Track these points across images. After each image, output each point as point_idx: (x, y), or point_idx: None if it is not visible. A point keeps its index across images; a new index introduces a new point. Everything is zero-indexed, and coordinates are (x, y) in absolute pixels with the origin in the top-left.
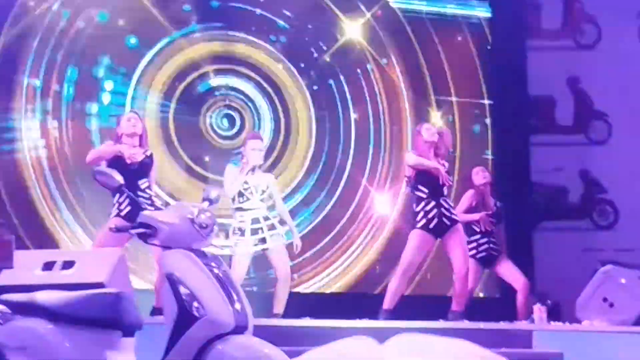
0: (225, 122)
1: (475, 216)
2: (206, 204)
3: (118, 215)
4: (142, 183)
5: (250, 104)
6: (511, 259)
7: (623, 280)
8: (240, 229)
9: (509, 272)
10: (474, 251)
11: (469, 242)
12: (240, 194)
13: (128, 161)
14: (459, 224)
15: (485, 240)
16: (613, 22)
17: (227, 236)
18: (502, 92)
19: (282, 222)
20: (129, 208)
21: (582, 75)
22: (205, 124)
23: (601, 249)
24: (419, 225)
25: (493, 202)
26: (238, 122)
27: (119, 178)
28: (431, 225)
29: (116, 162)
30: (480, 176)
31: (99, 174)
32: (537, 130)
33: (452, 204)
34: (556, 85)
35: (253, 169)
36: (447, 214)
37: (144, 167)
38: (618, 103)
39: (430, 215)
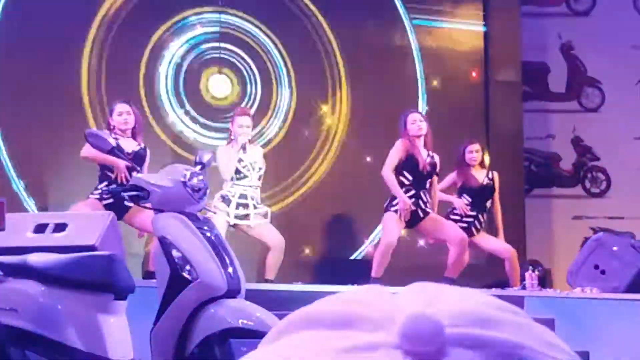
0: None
1: (451, 198)
2: (198, 167)
3: (100, 199)
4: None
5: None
6: (503, 226)
7: (615, 248)
8: (225, 197)
9: (494, 243)
10: (457, 217)
11: (456, 210)
12: (238, 171)
13: (119, 180)
14: (432, 213)
15: (473, 214)
16: None
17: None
18: (496, 58)
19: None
20: (110, 201)
21: (576, 42)
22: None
23: (593, 217)
24: (393, 208)
25: (484, 175)
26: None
27: (111, 140)
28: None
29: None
30: (473, 155)
31: (91, 136)
32: (529, 97)
33: (429, 199)
34: (550, 51)
35: (244, 147)
36: (423, 206)
37: (137, 159)
38: (611, 70)
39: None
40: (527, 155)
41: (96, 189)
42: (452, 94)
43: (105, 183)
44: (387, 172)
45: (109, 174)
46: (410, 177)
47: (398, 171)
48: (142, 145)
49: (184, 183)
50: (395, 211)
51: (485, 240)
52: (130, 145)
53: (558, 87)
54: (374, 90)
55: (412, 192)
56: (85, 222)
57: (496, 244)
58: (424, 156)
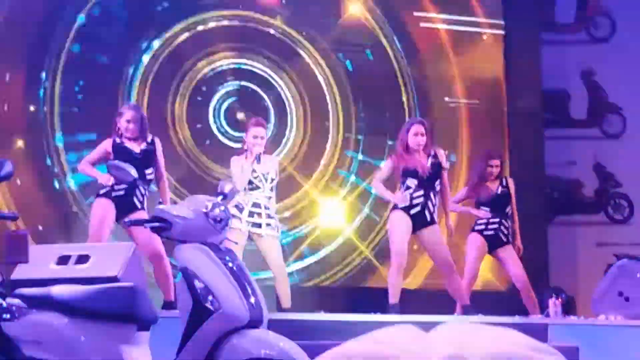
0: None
1: (471, 210)
2: (220, 197)
3: (107, 195)
4: (149, 174)
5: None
6: (525, 253)
7: (638, 275)
8: (237, 206)
9: (512, 265)
10: (482, 226)
11: (480, 219)
12: (250, 182)
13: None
14: (436, 226)
15: (497, 220)
16: (627, 15)
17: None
18: (517, 87)
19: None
20: (121, 193)
21: (597, 68)
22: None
23: (616, 243)
24: (401, 206)
25: (497, 185)
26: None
27: (133, 172)
28: (412, 212)
29: (119, 149)
30: (494, 169)
31: (114, 168)
32: (551, 124)
33: (438, 204)
34: (570, 78)
35: (257, 158)
36: (431, 209)
37: (148, 155)
38: (633, 96)
39: (414, 202)
40: (549, 183)
41: (101, 189)
42: (472, 122)
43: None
44: (374, 181)
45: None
46: (415, 181)
47: (402, 180)
48: (149, 140)
49: (206, 214)
50: (402, 209)
51: (508, 260)
52: (137, 145)
53: (579, 114)
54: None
55: (421, 192)
56: (108, 253)
57: (515, 269)
58: (424, 159)
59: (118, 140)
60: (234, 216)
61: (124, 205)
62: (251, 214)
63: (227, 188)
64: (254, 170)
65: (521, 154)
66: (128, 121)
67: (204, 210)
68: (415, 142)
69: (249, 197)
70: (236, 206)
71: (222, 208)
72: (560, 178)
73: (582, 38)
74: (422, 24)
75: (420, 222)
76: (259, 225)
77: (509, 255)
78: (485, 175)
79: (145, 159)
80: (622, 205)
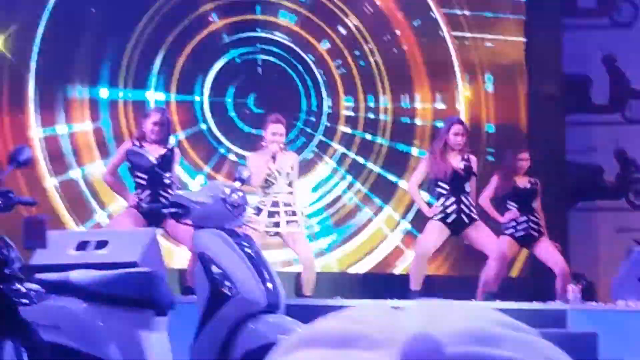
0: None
1: (498, 217)
2: (238, 183)
3: (136, 206)
4: (167, 178)
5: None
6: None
7: None
8: (258, 208)
9: (549, 254)
10: (511, 230)
11: (508, 222)
12: (265, 180)
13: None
14: (479, 221)
15: (524, 219)
16: None
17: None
18: (538, 71)
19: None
20: (149, 199)
21: (618, 53)
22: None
23: (637, 229)
24: (437, 217)
25: (526, 180)
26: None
27: (152, 158)
28: (449, 220)
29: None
30: (523, 162)
31: (132, 154)
32: (572, 110)
33: (472, 202)
34: (592, 63)
35: (274, 156)
36: (467, 211)
37: (165, 161)
38: None
39: (449, 210)
40: (570, 168)
41: (132, 199)
42: (493, 107)
43: (140, 190)
44: (410, 186)
45: (142, 181)
46: (446, 186)
47: (434, 183)
48: (170, 147)
49: (224, 200)
50: (439, 220)
51: (542, 252)
52: (157, 150)
53: (601, 99)
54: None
55: (453, 199)
56: (127, 239)
57: (553, 257)
58: (457, 162)
59: (137, 145)
60: (250, 219)
61: (153, 217)
62: (271, 214)
63: (245, 174)
64: (267, 168)
65: (542, 140)
66: (155, 123)
67: (222, 196)
68: (455, 142)
69: (268, 198)
70: (256, 207)
71: (240, 194)
72: (580, 164)
73: (604, 23)
74: (444, 10)
75: (460, 226)
76: (278, 225)
77: (544, 247)
78: (516, 169)
79: (163, 164)
80: None
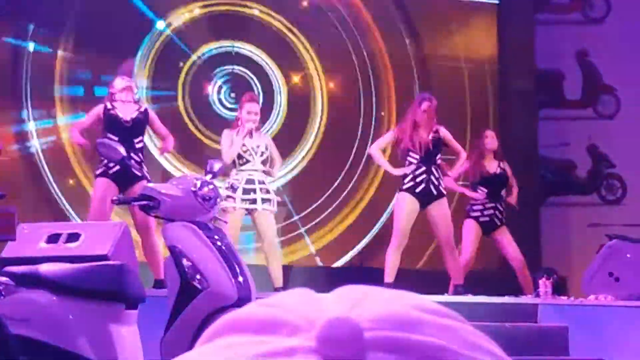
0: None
1: (466, 191)
2: (209, 176)
3: (104, 174)
4: (137, 142)
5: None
6: (518, 234)
7: (629, 255)
8: (232, 186)
9: (508, 245)
10: (477, 213)
11: (475, 205)
12: (240, 157)
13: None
14: (444, 199)
15: (492, 205)
16: None
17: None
18: (510, 67)
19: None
20: (117, 168)
21: (591, 49)
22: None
23: (608, 224)
24: (405, 187)
25: (496, 165)
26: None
27: (122, 150)
28: (417, 190)
29: (108, 117)
30: (488, 140)
31: (102, 146)
32: (545, 105)
33: (441, 175)
34: (565, 59)
35: (250, 133)
36: (436, 182)
37: (138, 124)
38: (627, 77)
39: (418, 180)
40: (542, 163)
41: (98, 167)
42: (466, 103)
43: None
44: (373, 149)
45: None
46: (416, 156)
47: (404, 154)
48: (143, 109)
49: (195, 192)
50: (407, 190)
51: (503, 241)
52: (128, 112)
53: (573, 94)
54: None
55: (423, 168)
56: (98, 231)
57: (510, 249)
58: (426, 135)
59: (109, 105)
60: (228, 197)
61: (124, 179)
62: (246, 191)
63: (216, 167)
64: (243, 145)
65: (514, 134)
66: (122, 78)
67: (193, 188)
68: (424, 118)
69: (242, 174)
70: (231, 185)
71: (211, 187)
72: (553, 158)
73: (577, 18)
74: (419, 2)
75: (427, 198)
76: (254, 201)
77: (504, 236)
78: (483, 149)
79: (135, 127)
80: (614, 186)
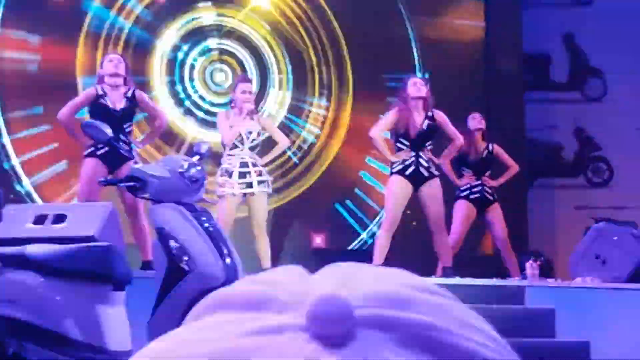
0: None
1: (456, 180)
2: (196, 157)
3: (93, 154)
4: (127, 126)
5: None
6: (505, 216)
7: (615, 238)
8: (227, 171)
9: (496, 226)
10: (467, 192)
11: (462, 185)
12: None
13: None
14: (436, 179)
15: (479, 182)
16: None
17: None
18: (497, 49)
19: (269, 172)
20: (105, 149)
21: (578, 31)
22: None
23: (595, 207)
24: (395, 170)
25: (483, 147)
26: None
27: (108, 131)
28: (407, 172)
29: (98, 107)
30: (475, 122)
31: (88, 126)
32: (531, 87)
33: (432, 158)
34: (551, 41)
35: (249, 114)
36: (425, 164)
37: (127, 111)
38: (614, 60)
39: (407, 162)
40: (529, 146)
41: (87, 148)
42: (452, 85)
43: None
44: (374, 132)
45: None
46: (406, 142)
47: (396, 137)
48: (131, 94)
49: (182, 173)
50: (397, 172)
51: (493, 221)
52: (117, 99)
53: (560, 77)
54: (374, 82)
55: (412, 153)
56: (85, 213)
57: (496, 227)
58: (421, 119)
59: (100, 91)
60: (225, 183)
61: (113, 160)
62: (242, 175)
63: (203, 148)
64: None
65: (501, 117)
66: (111, 60)
67: (180, 170)
68: (415, 90)
69: (235, 159)
70: (226, 170)
71: (199, 168)
72: (540, 141)
73: (564, 1)
74: None
75: (419, 179)
76: (251, 185)
77: (496, 215)
78: (471, 127)
79: (125, 116)
80: (601, 168)
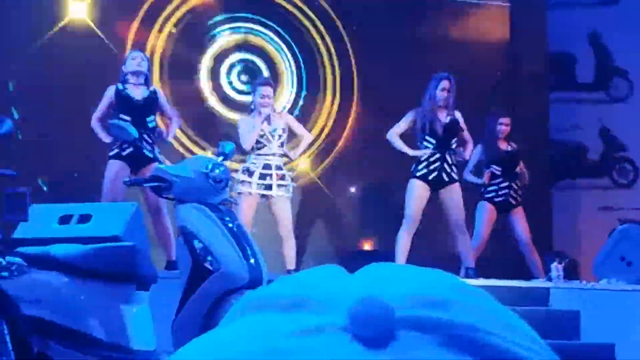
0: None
1: (478, 180)
2: (221, 158)
3: (117, 156)
4: (150, 121)
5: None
6: (529, 217)
7: None
8: (249, 170)
9: (518, 227)
10: (492, 194)
11: (490, 186)
12: (257, 142)
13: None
14: (456, 184)
15: (506, 184)
16: None
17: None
18: (522, 49)
19: (293, 178)
20: (130, 150)
21: (604, 31)
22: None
23: (620, 208)
24: (419, 174)
25: (506, 144)
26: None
27: (134, 132)
28: (430, 177)
29: (122, 100)
30: (503, 128)
31: (115, 127)
32: (556, 87)
33: (456, 161)
34: (577, 41)
35: (268, 119)
36: (448, 170)
37: (149, 103)
38: (639, 60)
39: (432, 167)
40: (554, 147)
41: (111, 149)
42: (477, 86)
43: (118, 142)
44: (391, 134)
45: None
46: (432, 140)
47: (421, 136)
48: (152, 89)
49: (206, 174)
50: (420, 177)
51: (516, 223)
52: (139, 93)
53: (585, 77)
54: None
55: (437, 155)
56: (110, 212)
57: (519, 231)
58: (443, 117)
59: (121, 87)
60: (243, 182)
61: (137, 161)
62: (262, 176)
63: (227, 148)
64: (260, 129)
65: (526, 118)
66: (134, 58)
67: (204, 170)
68: (442, 97)
69: (260, 159)
70: (247, 169)
71: (223, 168)
72: (565, 142)
73: (590, 0)
74: None
75: (440, 184)
76: (270, 187)
77: (519, 218)
78: (496, 132)
79: (147, 107)
80: (626, 169)
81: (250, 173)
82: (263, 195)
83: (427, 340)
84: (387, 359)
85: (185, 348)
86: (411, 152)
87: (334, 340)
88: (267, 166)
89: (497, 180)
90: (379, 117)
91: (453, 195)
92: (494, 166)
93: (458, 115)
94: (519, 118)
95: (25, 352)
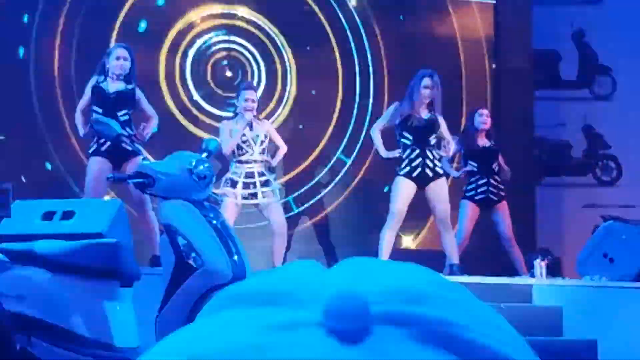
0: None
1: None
2: (205, 154)
3: (97, 152)
4: (122, 115)
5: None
6: (513, 214)
7: (624, 236)
8: (232, 180)
9: (501, 223)
10: (472, 193)
11: (469, 184)
12: (239, 147)
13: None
14: (443, 178)
15: (484, 181)
16: None
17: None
18: (507, 46)
19: (276, 179)
20: (108, 144)
21: (588, 29)
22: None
23: (604, 205)
24: (402, 172)
25: (486, 140)
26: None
27: (117, 128)
28: (414, 174)
29: (95, 93)
30: (483, 119)
31: (97, 123)
32: (541, 85)
33: (438, 155)
34: (561, 39)
35: (250, 125)
36: (431, 165)
37: (122, 96)
38: (623, 58)
39: (413, 164)
40: (538, 144)
41: (89, 146)
42: (461, 83)
43: (95, 138)
44: (374, 129)
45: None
46: (409, 136)
47: (400, 131)
48: (130, 87)
49: (190, 170)
50: (404, 175)
51: (497, 217)
52: (114, 86)
53: (569, 75)
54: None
55: (417, 151)
56: (93, 209)
57: (501, 226)
58: (423, 114)
59: (101, 79)
60: (225, 194)
61: (118, 156)
62: (246, 185)
63: (211, 145)
64: (243, 134)
65: (510, 115)
66: (118, 58)
67: (188, 166)
68: (424, 95)
69: (242, 168)
70: (230, 180)
71: (207, 165)
72: (549, 139)
73: None
74: None
75: (424, 180)
76: (255, 196)
77: (501, 213)
78: (475, 124)
79: (119, 100)
80: (610, 167)
81: (233, 183)
82: (253, 205)
83: (402, 334)
84: (362, 354)
85: (159, 344)
86: (384, 154)
87: (309, 335)
88: (249, 174)
89: (475, 178)
90: (359, 112)
91: (438, 189)
92: (470, 162)
93: (441, 120)
94: (503, 115)
95: (8, 348)
